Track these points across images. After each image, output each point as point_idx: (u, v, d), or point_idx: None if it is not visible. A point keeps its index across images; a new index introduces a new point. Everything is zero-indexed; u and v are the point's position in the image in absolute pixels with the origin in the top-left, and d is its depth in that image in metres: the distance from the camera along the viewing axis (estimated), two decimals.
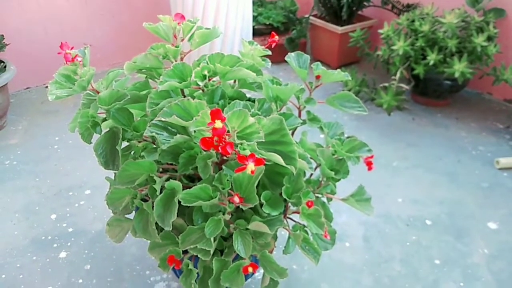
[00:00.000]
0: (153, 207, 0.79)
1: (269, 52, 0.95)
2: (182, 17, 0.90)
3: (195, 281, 0.77)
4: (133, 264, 1.19)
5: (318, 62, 0.99)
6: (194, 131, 0.76)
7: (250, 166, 0.63)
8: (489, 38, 1.72)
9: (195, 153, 0.80)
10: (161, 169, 0.83)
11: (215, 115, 0.65)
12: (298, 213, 0.80)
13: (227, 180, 0.73)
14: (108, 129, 0.87)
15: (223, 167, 0.79)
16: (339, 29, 2.14)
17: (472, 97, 2.03)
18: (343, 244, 1.24)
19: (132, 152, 0.91)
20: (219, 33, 0.92)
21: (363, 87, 1.97)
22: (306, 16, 2.28)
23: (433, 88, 1.89)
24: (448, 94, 1.92)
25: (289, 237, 0.84)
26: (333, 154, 0.87)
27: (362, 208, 0.90)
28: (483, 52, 1.69)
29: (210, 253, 0.77)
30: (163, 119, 0.71)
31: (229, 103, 0.84)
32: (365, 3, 2.17)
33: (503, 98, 1.98)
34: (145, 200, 0.83)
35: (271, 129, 0.72)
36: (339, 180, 0.85)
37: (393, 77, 1.82)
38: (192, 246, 0.75)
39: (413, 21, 1.87)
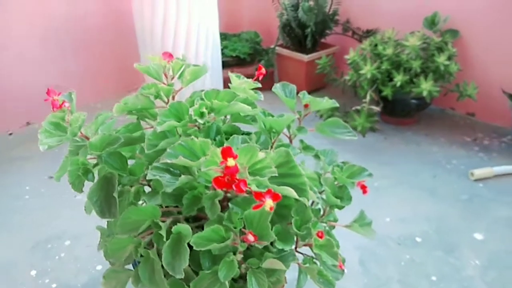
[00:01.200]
0: (159, 254, 0.76)
1: (259, 85, 0.95)
2: (170, 55, 0.89)
3: None
4: None
5: (305, 91, 1.01)
6: (198, 171, 0.74)
7: (269, 202, 0.62)
8: (449, 57, 1.83)
9: (199, 193, 0.78)
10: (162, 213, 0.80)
11: (227, 153, 0.63)
12: (309, 245, 0.78)
13: (239, 218, 0.71)
14: (101, 176, 0.83)
15: (230, 204, 0.77)
16: (305, 57, 2.20)
17: (437, 113, 2.13)
18: None
19: (127, 198, 0.87)
20: (208, 69, 0.91)
21: (334, 112, 2.01)
22: (272, 46, 2.33)
23: (401, 108, 1.96)
24: (415, 112, 2.00)
25: (300, 271, 0.82)
26: (334, 181, 0.87)
27: (365, 232, 0.90)
28: (445, 71, 1.79)
29: None
30: (168, 161, 0.68)
31: (226, 139, 0.83)
32: (327, 31, 2.25)
33: (466, 112, 2.09)
34: (148, 248, 0.79)
35: (278, 162, 0.71)
36: (343, 207, 0.85)
37: (363, 100, 1.88)
38: None
39: (375, 45, 1.96)
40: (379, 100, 1.94)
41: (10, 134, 2.05)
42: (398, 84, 1.80)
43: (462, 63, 1.92)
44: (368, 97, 1.88)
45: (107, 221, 0.91)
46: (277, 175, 0.65)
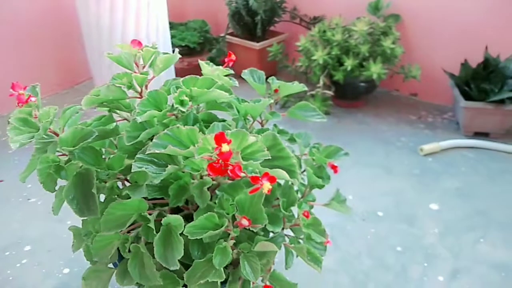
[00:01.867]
0: (147, 248, 0.74)
1: (232, 71, 0.95)
2: (139, 43, 0.86)
3: None
4: None
5: (273, 77, 1.02)
6: (184, 160, 0.73)
7: (266, 185, 0.62)
8: (394, 41, 1.92)
9: (185, 183, 0.76)
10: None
11: (220, 139, 0.63)
12: (296, 225, 0.80)
13: (231, 204, 0.70)
14: (75, 173, 0.78)
15: (217, 192, 0.76)
16: (256, 45, 2.20)
17: (383, 95, 2.24)
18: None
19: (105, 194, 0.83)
20: (178, 56, 0.89)
21: (289, 97, 2.05)
22: (222, 35, 2.31)
23: (351, 91, 2.04)
24: (364, 95, 2.09)
25: (288, 252, 0.83)
26: (313, 162, 0.89)
27: (342, 209, 0.93)
28: (391, 54, 1.88)
29: (219, 286, 0.74)
30: (156, 151, 0.66)
31: (205, 127, 0.82)
32: (276, 18, 2.27)
33: (409, 93, 2.22)
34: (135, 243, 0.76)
35: (266, 146, 0.72)
36: (324, 186, 0.87)
37: (317, 85, 1.93)
38: (202, 281, 0.70)
39: (324, 31, 2.01)
40: (330, 85, 2.00)
41: None
42: (349, 68, 1.87)
43: (404, 46, 2.03)
44: (321, 82, 1.93)
45: (83, 220, 0.86)
46: (270, 157, 0.66)
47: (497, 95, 1.72)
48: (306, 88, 0.99)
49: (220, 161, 0.63)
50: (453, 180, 1.59)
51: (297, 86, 0.97)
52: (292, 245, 0.80)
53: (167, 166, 0.71)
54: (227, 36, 2.29)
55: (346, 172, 1.64)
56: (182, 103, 0.77)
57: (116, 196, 0.83)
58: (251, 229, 0.71)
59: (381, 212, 1.43)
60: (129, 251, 0.74)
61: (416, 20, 2.05)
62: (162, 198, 0.81)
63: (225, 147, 0.62)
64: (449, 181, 1.58)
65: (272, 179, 0.63)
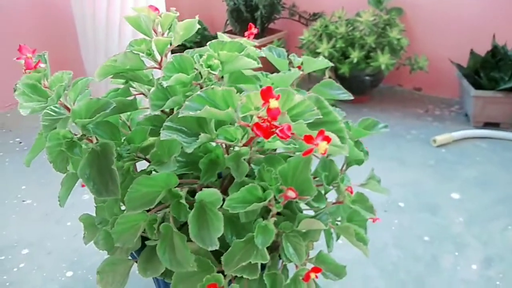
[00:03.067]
0: (179, 228, 0.65)
1: (256, 43, 0.88)
2: (156, 8, 0.78)
3: None
4: None
5: (294, 53, 0.95)
6: (216, 129, 0.65)
7: (322, 145, 0.54)
8: (399, 32, 1.88)
9: (216, 157, 0.68)
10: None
11: (267, 94, 0.55)
12: (340, 202, 0.72)
13: (274, 176, 0.62)
14: (90, 149, 0.69)
15: (252, 166, 0.68)
16: (257, 42, 2.14)
17: (387, 90, 2.19)
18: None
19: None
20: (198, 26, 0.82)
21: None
22: (220, 33, 2.24)
23: (356, 85, 1.99)
24: (369, 89, 2.04)
25: (328, 233, 0.75)
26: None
27: (380, 190, 0.86)
28: (398, 45, 1.84)
29: (259, 269, 0.65)
30: (190, 113, 0.58)
31: None
32: (275, 15, 2.22)
33: (413, 87, 2.18)
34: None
35: None
36: (363, 162, 0.80)
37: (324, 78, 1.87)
38: (244, 263, 0.61)
39: (326, 26, 1.96)
40: (336, 79, 1.95)
41: None
42: (355, 60, 1.82)
43: (408, 39, 1.99)
44: (326, 76, 1.87)
45: (96, 207, 0.77)
46: (321, 116, 0.58)
47: (508, 83, 1.69)
48: (331, 64, 0.93)
49: (267, 120, 0.55)
50: (470, 170, 1.53)
51: (321, 62, 0.91)
52: (340, 225, 0.72)
53: (197, 136, 0.63)
54: (225, 34, 2.22)
55: (359, 166, 1.57)
56: (211, 67, 0.69)
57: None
58: (296, 202, 0.62)
59: (402, 203, 1.36)
60: (158, 233, 0.65)
61: (419, 13, 2.02)
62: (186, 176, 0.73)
63: (273, 103, 0.54)
64: (466, 171, 1.53)
65: (327, 139, 0.55)
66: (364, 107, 2.02)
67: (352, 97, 0.92)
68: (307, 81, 1.90)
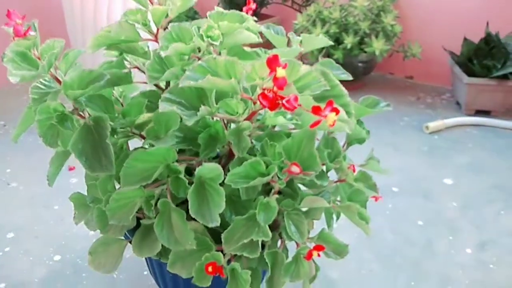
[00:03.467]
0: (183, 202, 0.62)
1: (255, 18, 0.85)
2: None
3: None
4: None
5: (292, 32, 0.93)
6: (216, 102, 0.62)
7: (331, 116, 0.52)
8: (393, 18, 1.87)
9: (215, 132, 0.65)
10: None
11: (274, 62, 0.52)
12: (342, 181, 0.70)
13: (277, 151, 0.60)
14: (82, 124, 0.66)
15: (253, 141, 0.66)
16: None
17: (379, 78, 2.18)
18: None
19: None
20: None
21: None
22: None
23: (350, 72, 1.96)
24: (362, 76, 2.03)
25: (328, 213, 0.73)
26: None
27: (380, 170, 0.84)
28: (391, 31, 1.82)
29: (260, 248, 0.63)
30: (191, 83, 0.55)
31: None
32: (268, 0, 2.18)
33: (404, 76, 2.17)
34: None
35: None
36: (365, 140, 0.78)
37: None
38: (246, 241, 0.59)
39: (320, 11, 1.93)
40: None
41: None
42: (349, 46, 1.80)
43: (402, 25, 1.98)
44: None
45: (88, 184, 0.73)
46: (328, 88, 0.56)
47: (500, 70, 1.69)
48: (331, 42, 0.90)
49: (272, 91, 0.53)
50: (463, 156, 1.54)
51: (322, 39, 0.88)
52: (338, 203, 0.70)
53: (196, 110, 0.61)
54: None
55: (353, 150, 1.56)
56: (211, 38, 0.66)
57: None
58: (302, 177, 0.60)
59: (396, 188, 1.35)
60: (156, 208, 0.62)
61: (412, 1, 2.00)
62: (183, 153, 0.70)
63: (280, 72, 0.52)
64: (459, 157, 1.53)
65: (336, 110, 0.53)
66: (358, 93, 1.97)
67: (351, 78, 0.91)
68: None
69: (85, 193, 0.77)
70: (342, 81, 2.05)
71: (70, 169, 1.27)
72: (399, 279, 1.02)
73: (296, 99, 0.52)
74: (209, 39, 0.65)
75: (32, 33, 0.63)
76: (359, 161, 0.84)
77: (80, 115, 0.66)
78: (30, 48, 0.61)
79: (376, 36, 1.79)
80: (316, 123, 0.52)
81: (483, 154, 1.55)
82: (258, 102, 0.60)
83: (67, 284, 0.98)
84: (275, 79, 0.52)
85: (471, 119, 1.74)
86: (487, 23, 1.79)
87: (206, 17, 0.72)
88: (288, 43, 0.88)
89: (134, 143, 0.74)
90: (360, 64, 1.93)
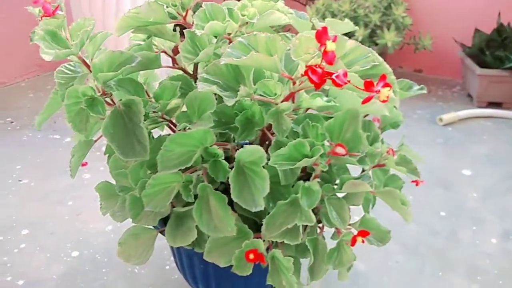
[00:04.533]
0: (219, 189, 0.60)
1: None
2: None
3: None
4: None
5: (316, 17, 0.91)
6: (255, 85, 0.60)
7: (384, 91, 0.49)
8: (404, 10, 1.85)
9: (252, 114, 0.63)
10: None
11: (323, 35, 0.50)
12: (381, 165, 0.68)
13: (320, 133, 0.57)
14: (113, 108, 0.63)
15: (292, 124, 0.63)
16: None
17: None
18: (352, 218, 1.15)
19: None
20: None
21: None
22: None
23: None
24: None
25: (366, 198, 0.71)
26: None
27: (415, 156, 0.82)
28: (402, 23, 1.80)
29: (301, 234, 0.60)
30: (234, 59, 0.52)
31: None
32: None
33: (413, 69, 2.16)
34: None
35: None
36: (399, 126, 0.76)
37: None
38: (290, 226, 0.57)
39: (329, 4, 1.91)
40: None
41: None
42: (359, 39, 1.77)
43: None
44: None
45: (116, 173, 0.70)
46: (377, 63, 0.53)
47: None
48: (356, 27, 0.88)
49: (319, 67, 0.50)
50: (479, 147, 1.52)
51: (347, 24, 0.86)
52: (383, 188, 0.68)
53: (233, 91, 0.58)
54: None
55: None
56: (246, 17, 0.63)
57: None
58: (347, 159, 0.57)
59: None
60: (194, 196, 0.59)
61: None
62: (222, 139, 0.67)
63: (330, 45, 0.49)
64: (475, 148, 1.51)
65: (389, 85, 0.50)
66: None
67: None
68: None
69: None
70: None
71: (83, 164, 1.24)
72: (426, 269, 1.00)
73: (345, 74, 0.50)
74: (245, 17, 0.62)
75: (60, 12, 0.60)
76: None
77: (108, 103, 0.64)
78: (60, 27, 0.59)
79: (388, 28, 1.77)
80: (368, 98, 0.50)
81: (498, 145, 1.54)
82: (297, 83, 0.58)
83: (87, 280, 0.95)
84: (325, 53, 0.49)
85: (484, 111, 1.73)
86: (499, 14, 1.77)
87: None
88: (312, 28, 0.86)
89: (155, 133, 0.72)
90: None
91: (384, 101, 0.50)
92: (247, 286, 0.75)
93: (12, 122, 1.61)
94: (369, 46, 1.75)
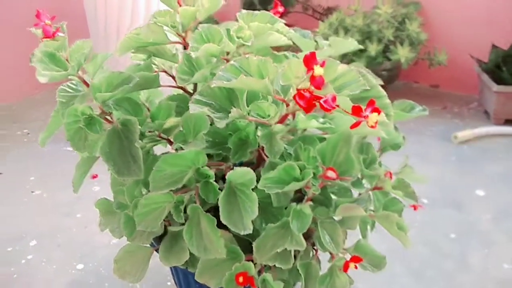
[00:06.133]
0: (209, 211, 0.60)
1: (284, 21, 0.83)
2: None
3: None
4: None
5: (319, 36, 0.91)
6: (247, 105, 0.60)
7: (372, 117, 0.49)
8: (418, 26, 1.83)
9: (246, 135, 0.63)
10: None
11: (311, 60, 0.50)
12: (378, 188, 0.67)
13: (311, 155, 0.57)
14: (110, 127, 0.64)
15: (285, 146, 0.63)
16: None
17: (402, 87, 2.14)
18: (357, 237, 1.13)
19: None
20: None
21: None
22: None
23: None
24: (386, 84, 1.98)
25: (363, 221, 0.70)
26: None
27: (417, 178, 0.80)
28: (417, 38, 1.78)
29: (293, 258, 0.60)
30: (224, 82, 0.53)
31: None
32: (289, 9, 2.17)
33: (429, 85, 2.12)
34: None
35: None
36: (400, 147, 0.75)
37: None
38: (279, 250, 0.56)
39: (342, 19, 1.91)
40: None
41: None
42: (373, 54, 1.76)
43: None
44: None
45: (115, 190, 0.71)
46: (368, 88, 0.53)
47: None
48: (361, 46, 0.88)
49: (308, 91, 0.50)
50: (494, 166, 1.48)
51: (351, 42, 0.86)
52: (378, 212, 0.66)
53: (227, 112, 0.58)
54: None
55: (395, 150, 1.52)
56: (242, 39, 0.64)
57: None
58: (338, 183, 0.57)
59: (426, 199, 1.30)
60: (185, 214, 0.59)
61: (437, 8, 1.97)
62: (211, 158, 0.67)
63: (318, 70, 0.49)
64: (489, 167, 1.47)
65: (378, 110, 0.50)
66: None
67: (382, 82, 0.88)
68: None
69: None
70: None
71: (93, 177, 1.26)
72: None
73: (334, 99, 0.50)
74: (240, 39, 0.63)
75: (61, 34, 0.62)
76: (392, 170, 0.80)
77: (107, 119, 0.65)
78: (59, 49, 0.60)
79: (401, 44, 1.75)
80: (357, 124, 0.50)
81: None
82: (290, 105, 0.58)
83: None
84: (313, 77, 0.49)
85: (501, 128, 1.68)
86: None
87: None
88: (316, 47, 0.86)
89: (158, 150, 0.73)
90: (384, 72, 1.89)
91: (372, 127, 0.49)
92: None
93: (28, 134, 1.66)
94: (382, 62, 1.75)
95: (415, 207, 0.69)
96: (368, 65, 1.82)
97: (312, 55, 0.50)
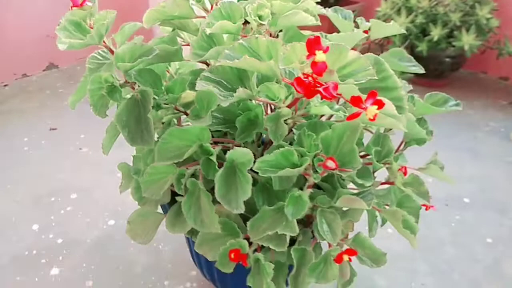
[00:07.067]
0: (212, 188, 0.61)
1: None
2: None
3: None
4: (145, 275, 0.97)
5: (362, 17, 0.86)
6: (257, 85, 0.59)
7: (372, 109, 0.46)
8: (490, 11, 1.67)
9: (255, 116, 0.62)
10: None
11: (314, 44, 0.48)
12: (390, 183, 0.64)
13: (314, 142, 0.55)
14: (130, 96, 0.67)
15: (294, 130, 0.62)
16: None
17: (468, 77, 1.98)
18: (385, 230, 1.09)
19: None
20: None
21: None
22: None
23: (434, 67, 1.81)
24: (448, 73, 1.85)
25: (371, 217, 0.68)
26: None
27: (442, 177, 0.76)
28: (486, 25, 1.63)
29: (287, 242, 0.59)
30: (227, 62, 0.52)
31: None
32: None
33: (499, 76, 1.95)
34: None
35: None
36: (425, 142, 0.70)
37: None
38: (270, 233, 0.56)
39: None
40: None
41: (5, 85, 1.86)
42: (435, 38, 1.65)
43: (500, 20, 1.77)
44: None
45: (133, 156, 0.75)
46: (376, 77, 0.50)
47: None
48: (403, 31, 0.82)
49: (311, 76, 0.48)
50: None
51: (393, 27, 0.80)
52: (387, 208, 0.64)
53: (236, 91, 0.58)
54: None
55: (425, 152, 1.44)
56: (260, 18, 0.63)
57: None
58: (341, 177, 0.55)
59: (467, 199, 1.22)
60: (185, 189, 0.61)
61: None
62: (225, 136, 0.68)
63: (320, 56, 0.47)
64: None
65: (379, 103, 0.47)
66: (441, 91, 1.84)
67: (423, 71, 0.82)
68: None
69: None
70: (423, 77, 1.85)
71: None
72: None
73: (335, 87, 0.48)
74: (257, 18, 0.62)
75: (89, 3, 0.64)
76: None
77: (133, 88, 0.67)
78: (85, 18, 0.63)
79: (468, 30, 1.61)
80: (356, 115, 0.47)
81: None
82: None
83: (115, 248, 1.03)
84: (314, 63, 0.47)
85: None
86: None
87: None
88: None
89: None
90: (447, 59, 1.76)
91: (371, 120, 0.47)
92: None
93: None
94: (445, 48, 1.63)
95: (426, 207, 0.65)
96: (430, 50, 1.71)
97: (317, 39, 0.48)
